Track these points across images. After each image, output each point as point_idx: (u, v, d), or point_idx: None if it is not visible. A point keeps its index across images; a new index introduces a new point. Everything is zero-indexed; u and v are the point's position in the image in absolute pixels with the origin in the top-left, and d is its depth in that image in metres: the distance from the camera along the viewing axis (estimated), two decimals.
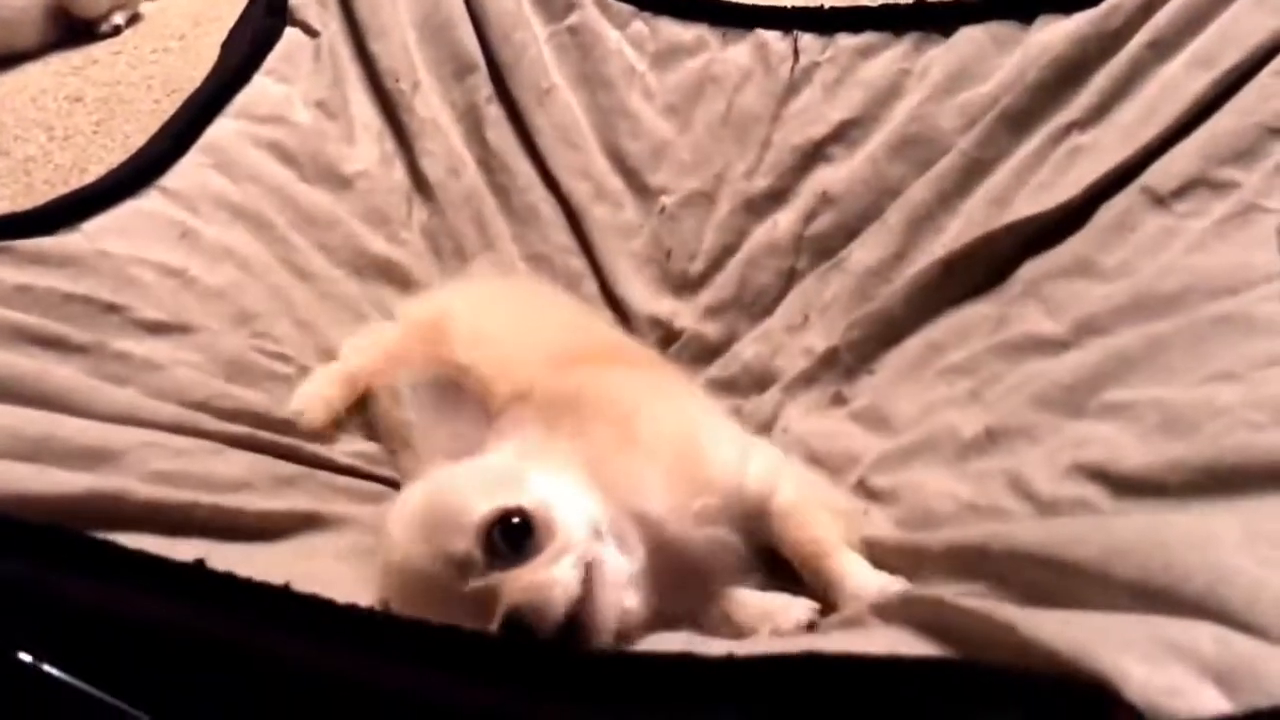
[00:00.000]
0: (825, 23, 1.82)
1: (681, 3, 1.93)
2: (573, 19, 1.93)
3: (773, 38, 1.85)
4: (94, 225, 1.47)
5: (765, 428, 1.54)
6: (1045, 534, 0.88)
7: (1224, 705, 0.59)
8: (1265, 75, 1.34)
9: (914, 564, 1.07)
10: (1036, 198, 1.48)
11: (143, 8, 3.60)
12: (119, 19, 3.45)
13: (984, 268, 1.49)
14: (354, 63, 1.93)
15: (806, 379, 1.57)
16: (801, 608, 1.08)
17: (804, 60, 1.81)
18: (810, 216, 1.74)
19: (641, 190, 1.85)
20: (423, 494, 1.07)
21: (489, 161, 1.90)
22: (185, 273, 1.50)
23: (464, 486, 1.05)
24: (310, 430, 1.40)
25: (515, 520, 0.98)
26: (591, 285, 1.82)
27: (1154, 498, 0.96)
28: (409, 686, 0.66)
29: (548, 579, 0.95)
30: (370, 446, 1.47)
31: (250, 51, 1.86)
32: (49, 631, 0.70)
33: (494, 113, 1.91)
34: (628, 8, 1.94)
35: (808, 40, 1.82)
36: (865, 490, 1.30)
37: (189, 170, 1.64)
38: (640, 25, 1.93)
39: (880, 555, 1.12)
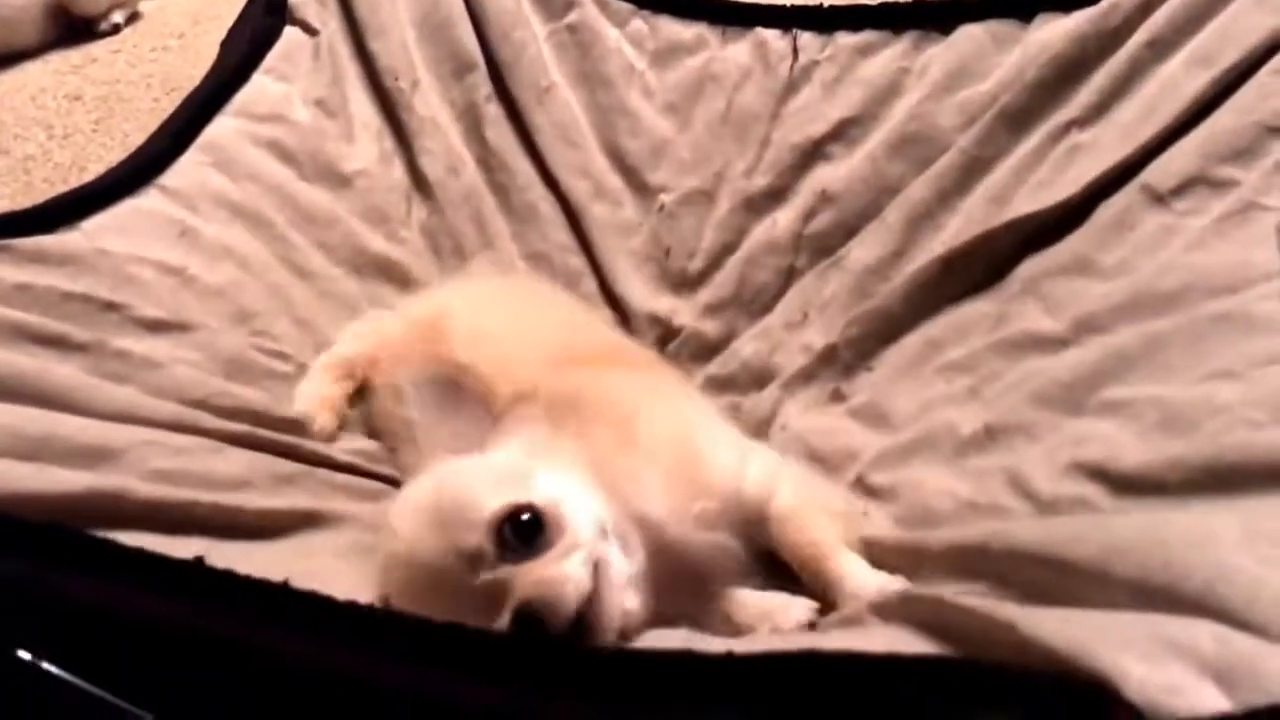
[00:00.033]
0: (825, 21, 1.82)
1: (681, 1, 1.93)
2: (572, 17, 1.93)
3: (772, 36, 1.85)
4: (93, 224, 1.47)
5: (764, 425, 1.54)
6: (1045, 533, 0.88)
7: (1223, 703, 0.59)
8: (1264, 74, 1.34)
9: (913, 563, 1.07)
10: (1036, 196, 1.48)
11: (142, 6, 3.59)
12: (118, 17, 3.45)
13: (983, 266, 1.49)
14: (353, 61, 1.93)
15: (805, 376, 1.58)
16: (801, 607, 1.09)
17: (803, 59, 1.81)
18: (809, 215, 1.74)
19: (641, 188, 1.85)
20: (431, 488, 1.06)
21: (488, 160, 1.90)
22: (184, 271, 1.50)
23: (474, 481, 1.05)
24: (324, 435, 1.41)
25: (525, 516, 0.99)
26: (591, 283, 1.82)
27: (1153, 496, 0.96)
28: (408, 684, 0.66)
29: (561, 574, 0.95)
30: (370, 444, 1.47)
31: (249, 50, 1.86)
32: (49, 630, 0.70)
33: (493, 111, 1.91)
34: (627, 6, 1.94)
35: (807, 39, 1.82)
36: (864, 487, 1.30)
37: (188, 169, 1.64)
38: (639, 23, 1.93)
39: (879, 555, 1.12)
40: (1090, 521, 0.97)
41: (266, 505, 1.16)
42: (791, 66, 1.81)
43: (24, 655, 0.68)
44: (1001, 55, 1.65)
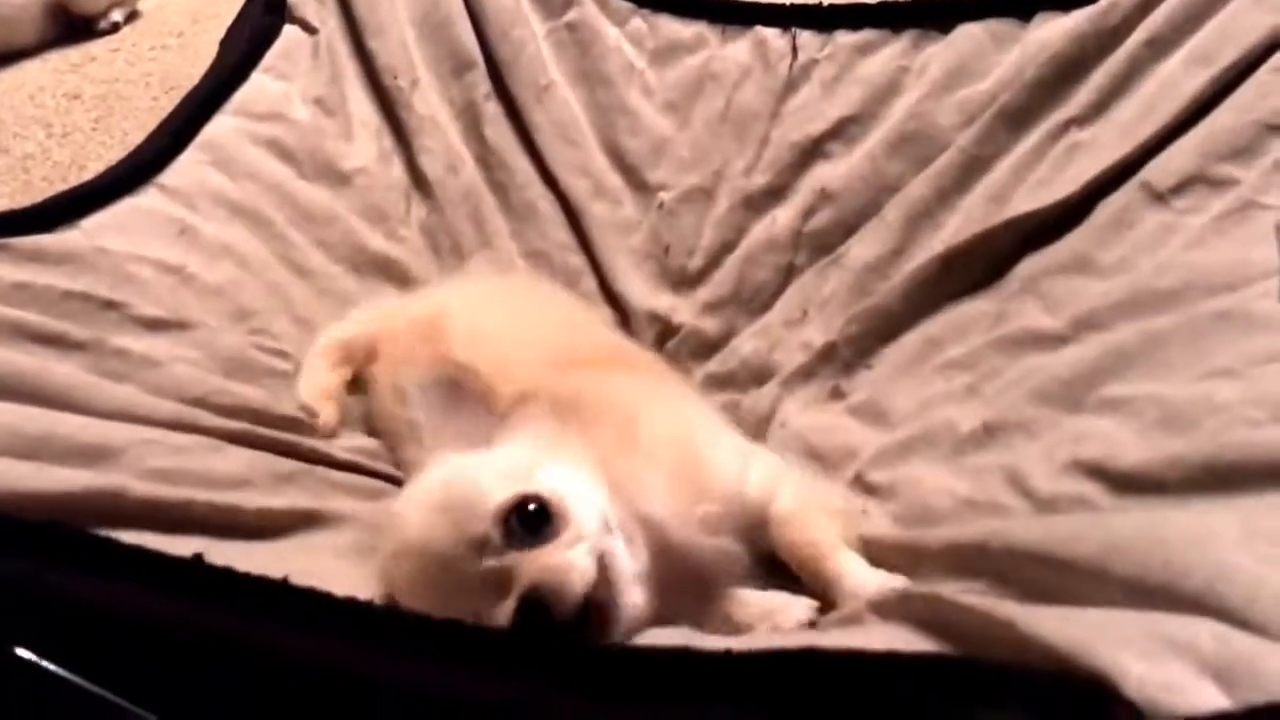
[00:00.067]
0: (824, 20, 1.83)
1: (680, 0, 1.93)
2: (571, 16, 1.93)
3: (772, 35, 1.85)
4: (92, 222, 1.47)
5: (763, 422, 1.54)
6: (1044, 531, 0.88)
7: (1222, 702, 0.59)
8: (1263, 72, 1.34)
9: (913, 562, 1.07)
10: (1035, 194, 1.48)
11: (141, 5, 3.59)
12: (117, 16, 3.45)
13: (983, 264, 1.49)
14: (352, 60, 1.93)
15: (805, 374, 1.58)
16: (801, 607, 1.09)
17: (803, 57, 1.81)
18: (809, 213, 1.74)
19: (640, 187, 1.85)
20: (439, 481, 1.07)
21: (487, 158, 1.90)
22: (184, 269, 1.51)
23: (481, 474, 1.06)
24: (328, 429, 1.42)
25: (531, 507, 0.99)
26: (590, 282, 1.83)
27: (1153, 494, 0.96)
28: (407, 680, 0.66)
29: (566, 561, 0.96)
30: (370, 442, 1.47)
31: (248, 49, 1.87)
32: (48, 628, 0.70)
33: (492, 110, 1.91)
34: (626, 5, 1.94)
35: (806, 37, 1.82)
36: (863, 485, 1.31)
37: (187, 167, 1.64)
38: (639, 22, 1.93)
39: (879, 554, 1.12)
40: (1089, 520, 0.97)
41: (266, 504, 1.16)
42: (791, 65, 1.81)
43: (24, 654, 0.68)
44: (1001, 54, 1.65)
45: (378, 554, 1.09)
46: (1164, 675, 0.59)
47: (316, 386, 1.48)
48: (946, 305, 1.51)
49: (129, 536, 0.80)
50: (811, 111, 1.78)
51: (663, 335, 1.76)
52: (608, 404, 1.21)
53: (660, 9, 1.93)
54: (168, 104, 2.08)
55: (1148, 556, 0.73)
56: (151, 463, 1.11)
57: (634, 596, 1.01)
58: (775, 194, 1.78)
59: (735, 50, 1.87)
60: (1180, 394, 1.05)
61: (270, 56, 1.87)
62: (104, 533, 0.84)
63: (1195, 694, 0.59)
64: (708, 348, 1.74)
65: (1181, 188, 1.32)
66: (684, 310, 1.77)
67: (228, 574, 0.74)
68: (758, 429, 1.52)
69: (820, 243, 1.72)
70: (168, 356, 1.32)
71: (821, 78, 1.79)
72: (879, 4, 1.82)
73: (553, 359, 1.35)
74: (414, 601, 1.00)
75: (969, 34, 1.69)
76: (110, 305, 1.35)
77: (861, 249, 1.65)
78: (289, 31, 1.93)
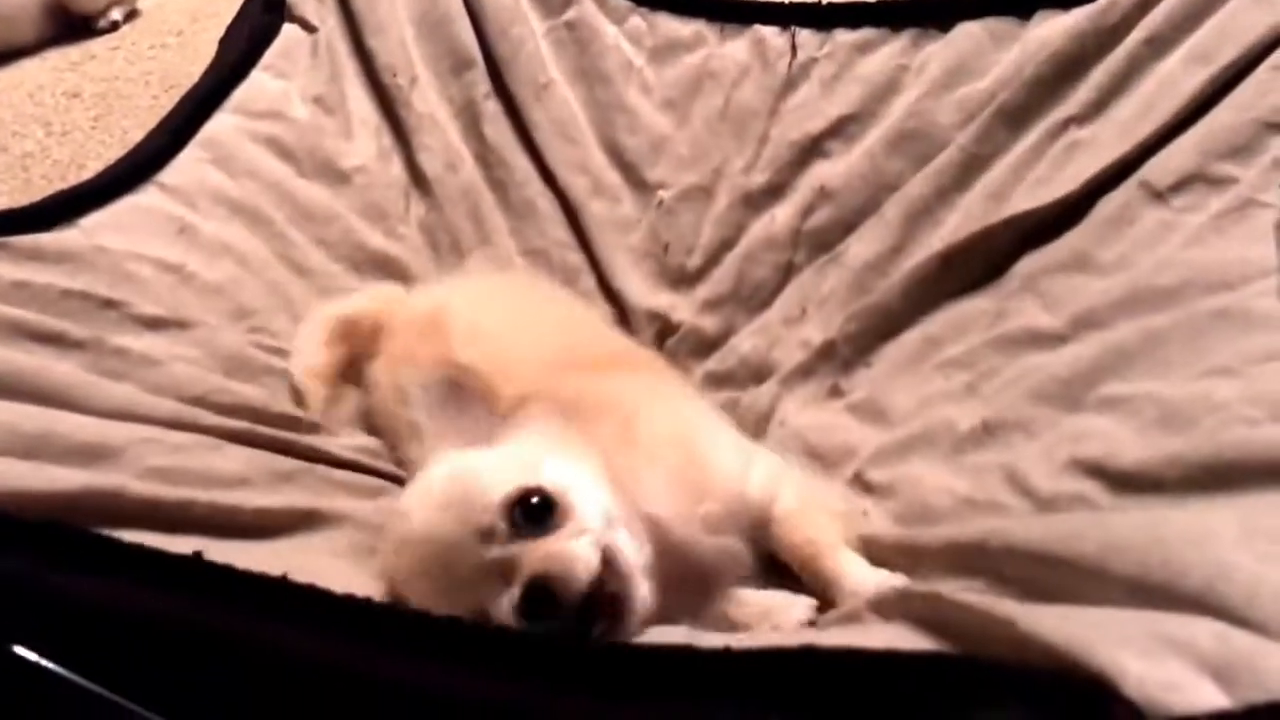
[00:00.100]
0: (823, 18, 1.82)
1: None
2: (570, 14, 1.93)
3: (771, 33, 1.84)
4: (92, 221, 1.47)
5: (762, 420, 1.54)
6: (1043, 530, 0.88)
7: (1222, 700, 0.59)
8: (1263, 71, 1.34)
9: (912, 561, 1.07)
10: (1034, 193, 1.48)
11: (140, 4, 3.59)
12: (117, 15, 3.45)
13: (982, 262, 1.49)
14: (351, 58, 1.93)
15: (804, 371, 1.58)
16: (801, 606, 1.09)
17: (802, 56, 1.81)
18: (808, 211, 1.74)
19: (639, 185, 1.85)
20: (444, 475, 1.08)
21: (487, 157, 1.90)
22: (183, 268, 1.51)
23: (487, 468, 1.07)
24: (315, 409, 1.44)
25: (535, 500, 1.01)
26: (589, 280, 1.82)
27: (1152, 493, 0.96)
28: (406, 676, 0.66)
29: (569, 550, 0.97)
30: (370, 440, 1.47)
31: (248, 47, 1.87)
32: (46, 626, 0.70)
33: (491, 108, 1.91)
34: (625, 3, 1.94)
35: (806, 36, 1.82)
36: (862, 484, 1.31)
37: (187, 166, 1.64)
38: (638, 20, 1.93)
39: (879, 553, 1.12)
40: (1088, 519, 0.97)
41: (265, 504, 1.16)
42: (790, 63, 1.81)
43: (22, 652, 0.68)
44: (1000, 52, 1.65)
45: (378, 552, 1.10)
46: (1163, 674, 0.59)
47: (307, 365, 1.48)
48: (946, 303, 1.51)
49: (128, 536, 0.81)
50: (811, 110, 1.78)
51: (662, 333, 1.76)
52: (609, 403, 1.21)
53: (659, 7, 1.93)
54: (167, 102, 2.08)
55: (1147, 555, 0.73)
56: (150, 462, 1.11)
57: (645, 589, 1.01)
58: (774, 192, 1.77)
59: (734, 48, 1.86)
60: (1179, 392, 1.05)
61: (270, 55, 1.88)
62: (103, 532, 0.84)
63: (1195, 692, 0.59)
64: (707, 346, 1.73)
65: (1181, 186, 1.32)
66: (683, 308, 1.77)
67: (226, 571, 0.74)
68: (757, 427, 1.52)
69: (819, 241, 1.72)
70: (167, 355, 1.32)
71: (821, 76, 1.79)
72: (878, 2, 1.81)
73: (554, 358, 1.35)
74: (417, 595, 1.01)
75: (968, 32, 1.69)
76: (109, 304, 1.35)
77: (861, 247, 1.65)
78: (288, 30, 1.93)
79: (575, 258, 1.84)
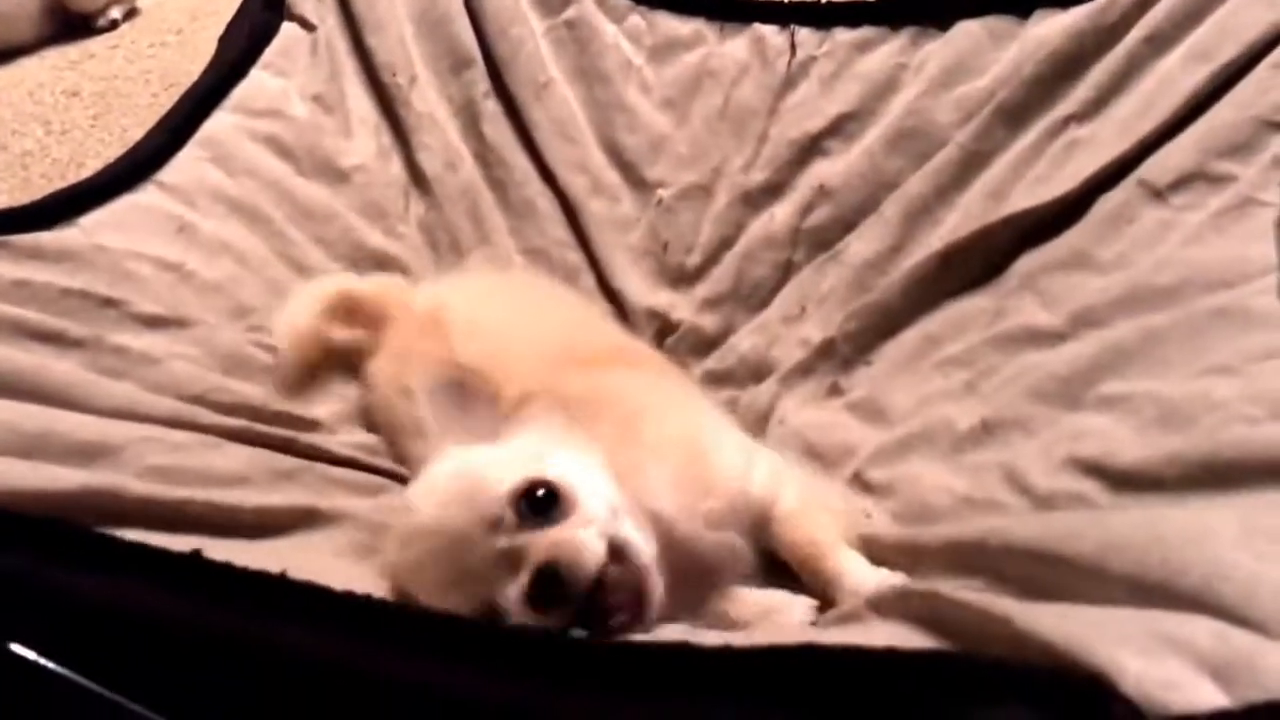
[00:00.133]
0: (822, 17, 1.82)
1: None
2: (570, 13, 1.93)
3: (770, 32, 1.84)
4: (91, 220, 1.47)
5: (762, 419, 1.54)
6: (1042, 529, 0.88)
7: (1221, 699, 0.59)
8: (1262, 69, 1.34)
9: (911, 559, 1.07)
10: (1033, 191, 1.48)
11: (140, 2, 3.59)
12: (116, 13, 3.45)
13: (981, 261, 1.49)
14: (351, 57, 1.93)
15: (803, 370, 1.57)
16: (801, 606, 1.09)
17: (801, 54, 1.81)
18: (807, 209, 1.73)
19: (639, 184, 1.85)
20: (451, 469, 1.09)
21: (486, 156, 1.90)
22: (182, 267, 1.51)
23: (493, 462, 1.07)
24: (283, 368, 1.44)
25: (541, 492, 1.01)
26: (589, 279, 1.82)
27: (1150, 492, 0.96)
28: (406, 674, 0.66)
29: (576, 538, 0.98)
30: (369, 438, 1.47)
31: (247, 46, 1.87)
32: (44, 624, 0.70)
33: (491, 107, 1.91)
34: (624, 2, 1.94)
35: (805, 34, 1.82)
36: (861, 483, 1.31)
37: (186, 164, 1.64)
38: (637, 19, 1.93)
39: (878, 552, 1.12)
40: (1087, 517, 0.97)
41: (264, 502, 1.16)
42: (789, 62, 1.81)
43: (20, 650, 0.68)
44: (999, 51, 1.65)
45: (380, 550, 1.10)
46: (1162, 672, 0.60)
47: (293, 325, 1.50)
48: (945, 302, 1.51)
49: (128, 534, 0.81)
50: (810, 108, 1.78)
51: (661, 332, 1.75)
52: (611, 400, 1.22)
53: (658, 6, 1.93)
54: (166, 101, 2.08)
55: (1145, 554, 0.73)
56: (150, 460, 1.12)
57: (659, 581, 1.01)
58: (774, 191, 1.77)
59: (733, 47, 1.86)
60: (1178, 391, 1.05)
61: (269, 53, 1.88)
62: (102, 530, 0.84)
63: (1193, 691, 0.59)
64: (706, 344, 1.73)
65: (1180, 184, 1.32)
66: (682, 307, 1.77)
67: (226, 569, 0.74)
68: (756, 426, 1.52)
69: (819, 239, 1.72)
70: (166, 354, 1.32)
71: (820, 74, 1.78)
72: (877, 1, 1.81)
73: (556, 355, 1.35)
74: (424, 588, 1.01)
75: (967, 31, 1.68)
76: (109, 303, 1.35)
77: (860, 246, 1.65)
78: (288, 28, 1.93)
79: (574, 257, 1.84)
